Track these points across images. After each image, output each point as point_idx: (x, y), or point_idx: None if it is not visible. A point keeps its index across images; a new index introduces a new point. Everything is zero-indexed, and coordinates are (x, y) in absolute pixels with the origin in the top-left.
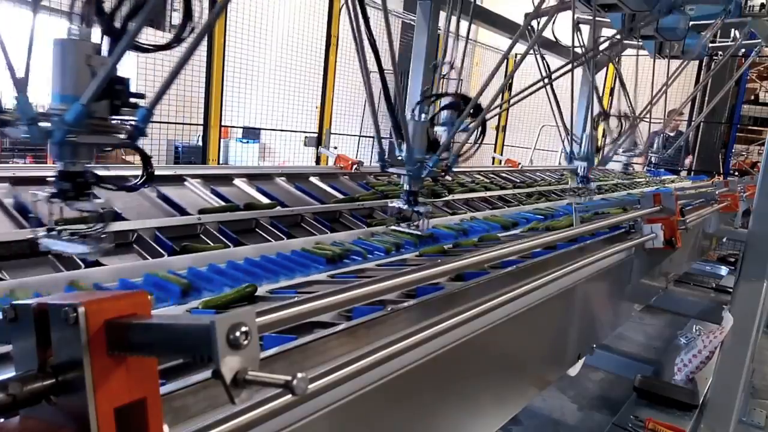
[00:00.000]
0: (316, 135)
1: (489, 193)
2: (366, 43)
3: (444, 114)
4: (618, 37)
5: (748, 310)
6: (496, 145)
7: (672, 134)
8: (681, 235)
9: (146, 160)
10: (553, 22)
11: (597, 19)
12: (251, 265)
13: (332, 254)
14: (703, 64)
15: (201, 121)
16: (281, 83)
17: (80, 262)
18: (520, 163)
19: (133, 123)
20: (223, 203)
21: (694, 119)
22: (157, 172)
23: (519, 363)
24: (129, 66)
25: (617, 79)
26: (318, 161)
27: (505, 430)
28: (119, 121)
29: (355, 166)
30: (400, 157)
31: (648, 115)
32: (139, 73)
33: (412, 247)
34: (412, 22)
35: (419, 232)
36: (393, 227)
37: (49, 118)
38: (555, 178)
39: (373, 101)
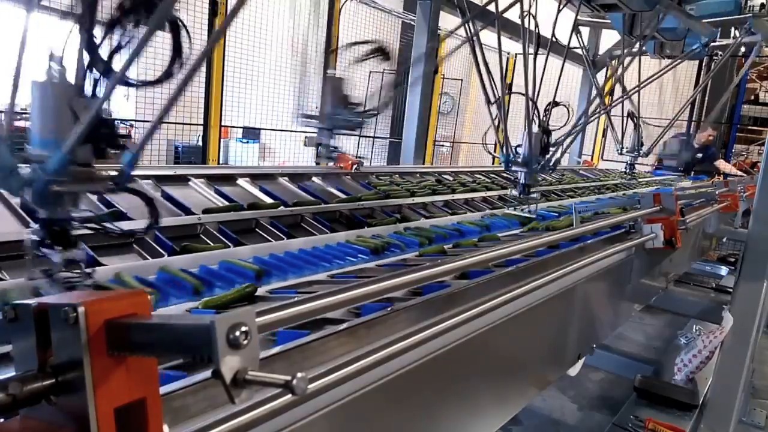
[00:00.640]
0: (316, 135)
1: (489, 193)
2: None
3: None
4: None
5: (748, 310)
6: (496, 145)
7: (689, 137)
8: (681, 235)
9: (151, 204)
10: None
11: (596, 20)
12: (306, 255)
13: (375, 246)
14: (703, 64)
15: (201, 121)
16: (281, 83)
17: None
18: None
19: (118, 168)
20: (227, 203)
21: (693, 119)
22: (162, 173)
23: (519, 363)
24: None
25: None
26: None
27: (505, 430)
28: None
29: (355, 166)
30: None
31: (647, 116)
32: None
33: (446, 241)
34: (412, 22)
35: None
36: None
37: (29, 166)
38: (556, 179)
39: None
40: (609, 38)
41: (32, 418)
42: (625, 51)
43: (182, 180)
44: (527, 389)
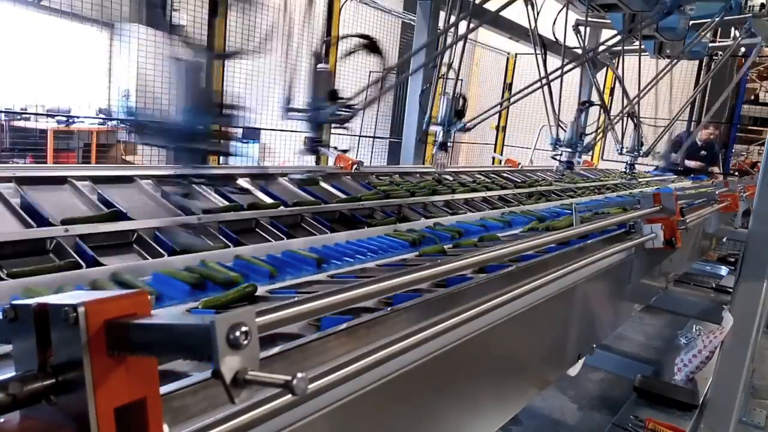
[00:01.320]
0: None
1: (489, 193)
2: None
3: None
4: (619, 38)
5: (748, 310)
6: (496, 145)
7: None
8: (681, 235)
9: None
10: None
11: (597, 20)
12: (353, 246)
13: (413, 239)
14: (703, 64)
15: None
16: (281, 83)
17: (82, 263)
18: (520, 163)
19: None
20: (227, 203)
21: (693, 119)
22: (160, 172)
23: (519, 363)
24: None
25: (617, 79)
26: (318, 161)
27: (505, 430)
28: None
29: (355, 166)
30: None
31: (646, 115)
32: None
33: (474, 234)
34: (412, 22)
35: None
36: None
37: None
38: (555, 178)
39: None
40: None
41: (32, 418)
42: (624, 51)
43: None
44: (527, 389)
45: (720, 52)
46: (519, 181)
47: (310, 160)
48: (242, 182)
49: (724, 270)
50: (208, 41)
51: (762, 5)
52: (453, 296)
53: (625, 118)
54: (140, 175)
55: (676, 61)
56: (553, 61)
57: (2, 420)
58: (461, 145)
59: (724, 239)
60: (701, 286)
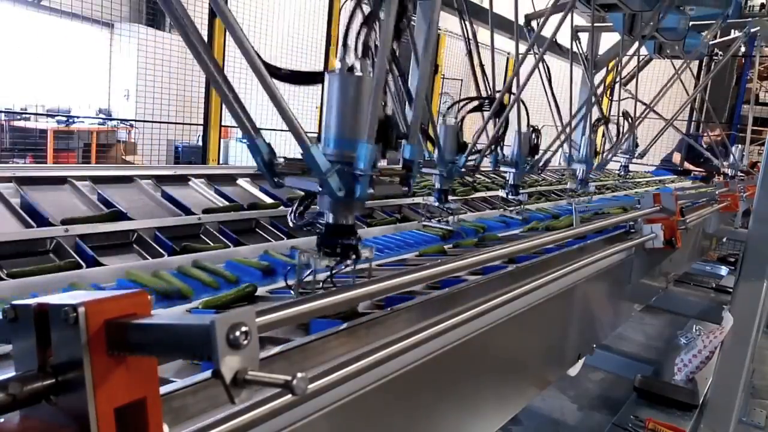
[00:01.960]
0: (316, 135)
1: (490, 193)
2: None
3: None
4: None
5: (748, 310)
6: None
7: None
8: (681, 235)
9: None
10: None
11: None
12: (392, 239)
13: (443, 233)
14: (703, 63)
15: (201, 121)
16: (281, 83)
17: (82, 263)
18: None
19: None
20: (227, 203)
21: (693, 119)
22: (160, 172)
23: (519, 363)
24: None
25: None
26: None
27: (505, 430)
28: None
29: None
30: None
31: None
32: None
33: (497, 230)
34: (412, 22)
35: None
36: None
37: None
38: (555, 179)
39: None
40: (608, 39)
41: (32, 418)
42: (624, 52)
43: (182, 180)
44: (527, 389)
45: (720, 53)
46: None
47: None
48: (242, 182)
49: (724, 270)
50: (208, 41)
51: (762, 5)
52: (453, 296)
53: (620, 119)
54: (140, 175)
55: (685, 65)
56: (554, 61)
57: (2, 420)
58: None
59: (724, 239)
60: (701, 286)
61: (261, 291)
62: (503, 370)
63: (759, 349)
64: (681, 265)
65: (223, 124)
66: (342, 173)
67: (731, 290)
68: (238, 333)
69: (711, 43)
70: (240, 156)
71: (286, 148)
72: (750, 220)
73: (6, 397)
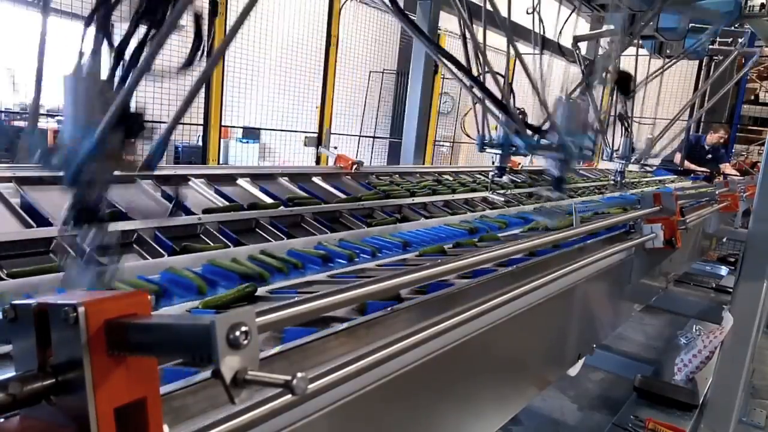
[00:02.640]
0: (316, 135)
1: (489, 193)
2: None
3: None
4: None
5: (748, 310)
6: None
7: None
8: (681, 235)
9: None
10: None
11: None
12: (421, 234)
13: (470, 228)
14: (703, 63)
15: (201, 121)
16: (281, 83)
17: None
18: (520, 164)
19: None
20: (227, 203)
21: (693, 120)
22: (160, 172)
23: (519, 363)
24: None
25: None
26: (318, 161)
27: (505, 430)
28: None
29: (354, 166)
30: None
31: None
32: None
33: (516, 227)
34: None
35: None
36: None
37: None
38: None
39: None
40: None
41: (32, 418)
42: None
43: (182, 180)
44: (527, 389)
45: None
46: (519, 181)
47: (310, 160)
48: (242, 182)
49: (724, 270)
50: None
51: (762, 5)
52: (453, 296)
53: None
54: (140, 175)
55: (673, 62)
56: (556, 62)
57: (2, 420)
58: (461, 146)
59: (724, 239)
60: (701, 286)
61: (261, 291)
62: (503, 370)
63: (759, 349)
64: (681, 265)
65: (223, 124)
66: None
67: (731, 290)
68: (238, 333)
69: (711, 47)
70: (240, 156)
71: (286, 147)
72: (750, 220)
73: (6, 397)
